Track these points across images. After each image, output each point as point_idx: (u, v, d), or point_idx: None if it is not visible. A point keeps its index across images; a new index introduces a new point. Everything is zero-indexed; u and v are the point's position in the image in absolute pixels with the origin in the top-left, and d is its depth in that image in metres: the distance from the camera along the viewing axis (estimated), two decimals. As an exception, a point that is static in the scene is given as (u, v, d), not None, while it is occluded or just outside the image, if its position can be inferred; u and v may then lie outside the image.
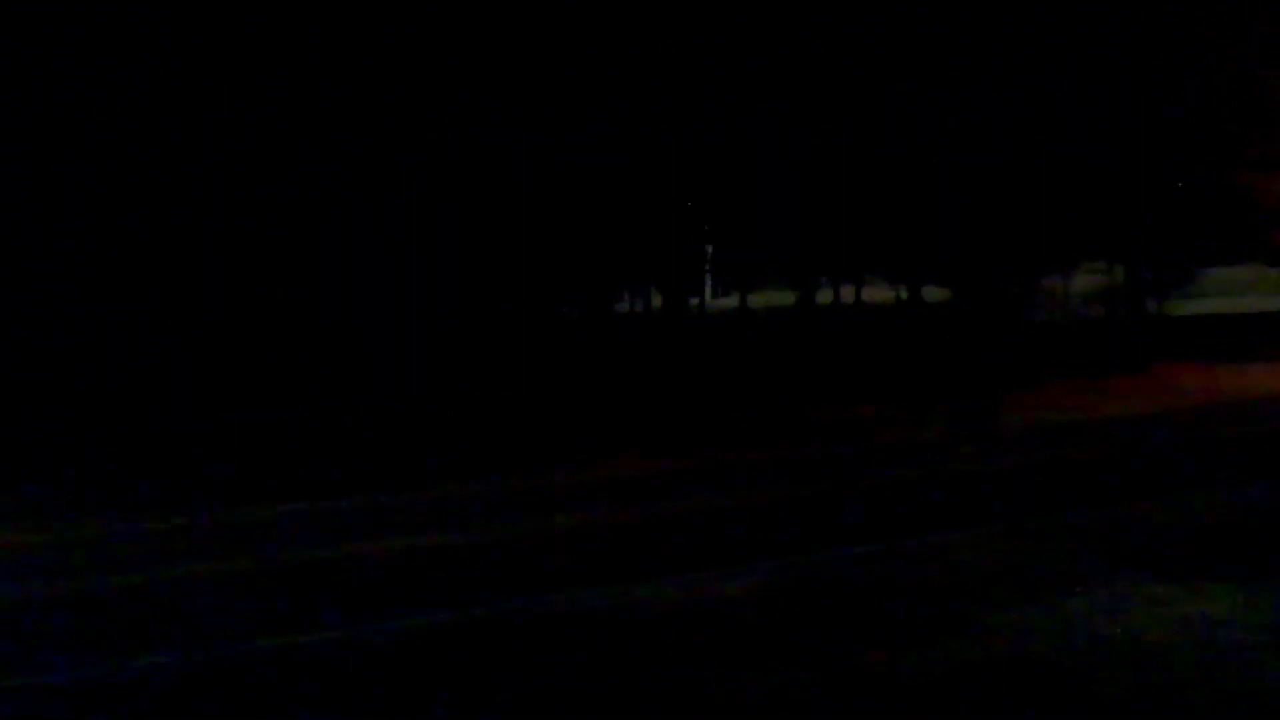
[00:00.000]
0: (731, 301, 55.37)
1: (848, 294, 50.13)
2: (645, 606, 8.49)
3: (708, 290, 52.21)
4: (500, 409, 21.03)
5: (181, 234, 19.87)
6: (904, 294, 40.59)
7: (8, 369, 18.47)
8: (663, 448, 17.40)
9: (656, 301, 39.42)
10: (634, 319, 40.72)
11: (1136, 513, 11.37)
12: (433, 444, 18.41)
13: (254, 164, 20.30)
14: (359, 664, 7.36)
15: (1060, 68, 26.44)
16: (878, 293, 49.98)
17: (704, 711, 6.32)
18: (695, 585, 9.04)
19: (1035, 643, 7.28)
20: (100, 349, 19.28)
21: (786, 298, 49.22)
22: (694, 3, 23.91)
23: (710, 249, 43.57)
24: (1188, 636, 7.31)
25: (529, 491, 14.09)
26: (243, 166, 20.17)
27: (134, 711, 6.59)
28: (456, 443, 18.52)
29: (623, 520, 12.01)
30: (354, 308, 22.15)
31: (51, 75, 18.62)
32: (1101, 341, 29.85)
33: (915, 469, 14.75)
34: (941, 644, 7.30)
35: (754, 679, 6.79)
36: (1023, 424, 18.45)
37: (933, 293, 37.00)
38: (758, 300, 53.90)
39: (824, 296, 45.47)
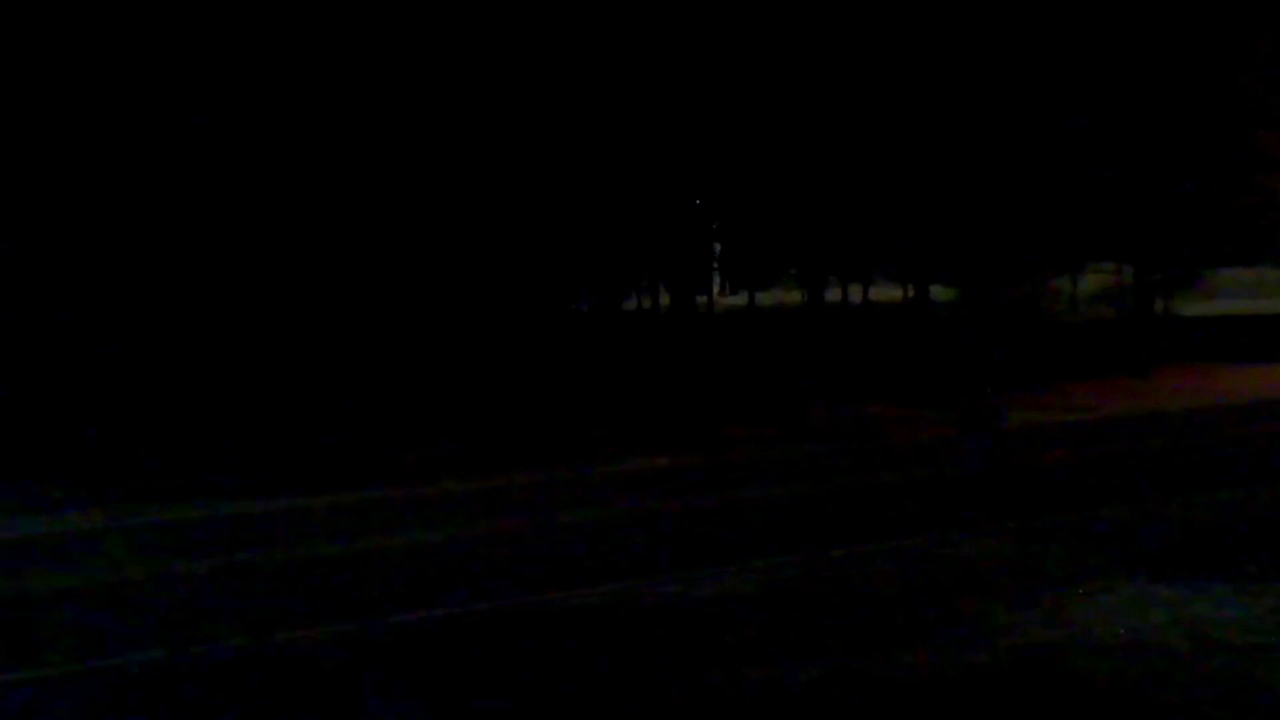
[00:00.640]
0: (740, 300, 55.29)
1: (856, 293, 50.08)
2: (647, 599, 8.57)
3: (715, 288, 52.15)
4: (513, 404, 21.12)
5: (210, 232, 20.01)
6: (912, 293, 40.58)
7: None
8: (669, 445, 17.45)
9: (665, 300, 39.42)
10: (642, 316, 40.71)
11: (1139, 513, 11.39)
12: (433, 442, 18.50)
13: (278, 153, 20.41)
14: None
15: (1071, 68, 26.41)
16: (885, 292, 49.90)
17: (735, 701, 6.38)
18: (692, 583, 9.10)
19: (1039, 642, 7.32)
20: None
21: (795, 296, 49.13)
22: (704, 1, 23.94)
23: (719, 247, 43.58)
24: (1187, 636, 7.35)
25: (552, 486, 14.16)
26: (272, 157, 20.28)
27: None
28: (464, 436, 18.61)
29: (634, 514, 12.07)
30: (370, 306, 22.30)
31: (51, 75, 18.71)
32: (1109, 342, 29.79)
33: (923, 468, 14.78)
34: (945, 642, 7.35)
35: (757, 672, 6.85)
36: (1029, 424, 18.48)
37: (940, 292, 36.94)
38: (766, 299, 53.86)
39: (832, 295, 45.40)
